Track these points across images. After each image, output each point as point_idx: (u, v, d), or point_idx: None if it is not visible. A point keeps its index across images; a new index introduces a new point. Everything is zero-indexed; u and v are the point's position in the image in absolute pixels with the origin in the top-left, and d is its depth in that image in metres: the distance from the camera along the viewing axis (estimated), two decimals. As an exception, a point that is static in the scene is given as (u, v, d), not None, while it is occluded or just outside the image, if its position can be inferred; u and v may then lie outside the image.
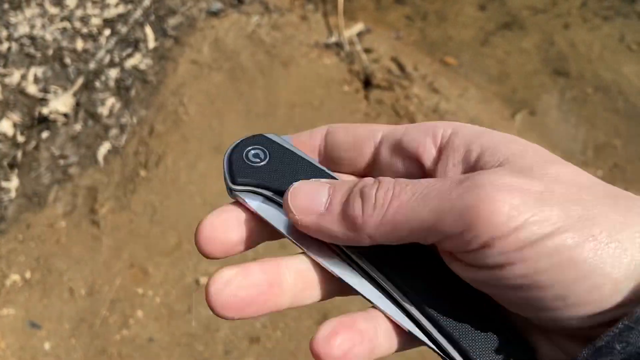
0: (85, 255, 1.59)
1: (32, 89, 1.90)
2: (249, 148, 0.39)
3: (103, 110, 1.84)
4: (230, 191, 0.38)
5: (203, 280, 1.54)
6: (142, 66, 1.92)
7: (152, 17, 2.02)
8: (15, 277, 1.57)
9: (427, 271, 0.35)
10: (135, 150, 1.76)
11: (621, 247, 0.28)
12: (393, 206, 0.31)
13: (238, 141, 0.40)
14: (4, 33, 2.00)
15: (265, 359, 1.46)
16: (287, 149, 0.40)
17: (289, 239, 0.37)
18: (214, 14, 2.02)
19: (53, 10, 2.03)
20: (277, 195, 0.38)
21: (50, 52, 1.95)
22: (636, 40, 1.98)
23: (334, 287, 0.37)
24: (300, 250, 0.37)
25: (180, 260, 1.57)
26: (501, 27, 2.02)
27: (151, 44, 1.97)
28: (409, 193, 0.31)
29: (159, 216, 1.64)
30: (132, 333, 1.49)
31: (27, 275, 1.57)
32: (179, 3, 2.04)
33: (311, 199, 0.34)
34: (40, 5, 2.04)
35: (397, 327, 0.35)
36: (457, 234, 0.29)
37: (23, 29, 1.99)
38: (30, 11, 2.03)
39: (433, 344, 0.34)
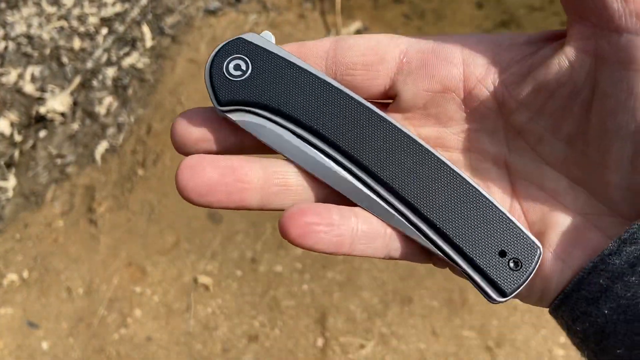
0: (82, 254, 1.59)
1: (29, 88, 1.89)
2: (229, 59, 0.35)
3: (100, 109, 1.84)
4: (220, 113, 0.36)
5: (201, 279, 1.54)
6: (140, 65, 1.92)
7: (150, 16, 2.01)
8: (13, 276, 1.56)
9: (419, 170, 0.35)
10: (133, 149, 1.75)
11: None
12: None
13: (216, 50, 0.36)
14: (1, 32, 1.99)
15: (264, 357, 1.46)
16: (271, 53, 0.35)
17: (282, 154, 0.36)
18: (212, 12, 2.02)
19: (50, 9, 2.03)
20: (268, 112, 0.35)
21: (47, 51, 1.95)
22: None
23: (315, 193, 0.36)
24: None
25: (178, 258, 1.57)
26: (498, 25, 2.02)
27: (148, 42, 1.97)
28: None
29: (156, 215, 1.64)
30: (130, 332, 1.48)
31: (25, 274, 1.57)
32: (177, 2, 2.04)
33: None
34: (37, 4, 2.03)
35: (386, 230, 0.35)
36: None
37: (20, 28, 1.99)
38: (28, 10, 2.03)
39: (426, 242, 0.34)
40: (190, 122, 0.35)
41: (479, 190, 0.35)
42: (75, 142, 1.79)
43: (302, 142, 0.35)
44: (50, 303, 1.53)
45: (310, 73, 0.35)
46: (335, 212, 0.34)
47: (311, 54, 0.36)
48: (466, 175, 0.35)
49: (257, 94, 0.35)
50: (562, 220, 0.34)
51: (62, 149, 1.78)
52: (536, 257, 0.33)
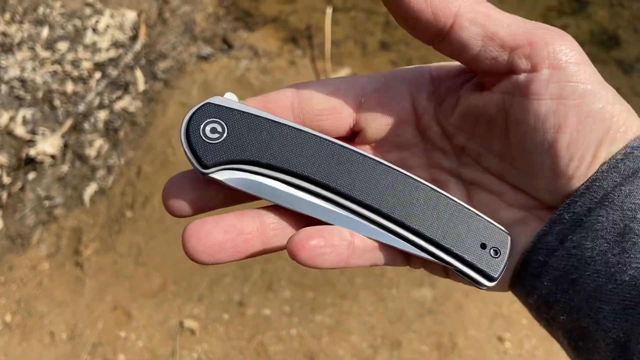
0: (67, 297, 1.57)
1: (20, 130, 1.90)
2: (204, 123, 0.38)
3: (91, 152, 1.85)
4: (204, 175, 0.38)
5: (188, 322, 1.51)
6: (132, 108, 1.94)
7: (143, 61, 2.05)
8: (-6, 320, 1.53)
9: (397, 189, 0.39)
10: (122, 191, 1.75)
11: (620, 120, 0.35)
12: (490, 6, 0.36)
13: (187, 118, 0.38)
14: (-5, 75, 2.02)
15: (250, 404, 1.42)
16: (242, 112, 0.38)
17: (272, 202, 0.39)
18: (204, 58, 2.06)
19: (44, 53, 2.06)
20: (249, 165, 0.38)
21: (40, 94, 1.97)
22: (614, 85, 2.04)
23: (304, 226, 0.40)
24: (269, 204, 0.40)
25: (165, 302, 1.55)
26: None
27: (141, 86, 2.00)
28: (496, 9, 0.37)
29: (144, 257, 1.62)
30: (113, 378, 1.45)
31: (8, 318, 1.53)
32: (170, 48, 2.08)
33: None
34: (32, 49, 2.07)
35: (375, 244, 0.39)
36: (521, 46, 0.35)
37: (13, 72, 2.02)
38: (22, 54, 2.06)
39: (407, 245, 0.39)
40: (180, 189, 0.39)
41: (450, 198, 0.39)
42: (64, 184, 1.79)
43: (285, 185, 0.38)
44: (32, 348, 1.49)
45: (281, 123, 0.38)
46: (336, 234, 0.38)
47: (277, 106, 0.40)
48: (437, 187, 0.40)
49: (238, 152, 0.37)
50: (507, 215, 0.40)
51: (50, 191, 1.77)
52: (508, 243, 0.39)
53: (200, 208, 0.40)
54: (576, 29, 2.15)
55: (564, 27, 2.15)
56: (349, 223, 0.38)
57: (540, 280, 0.37)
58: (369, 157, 0.39)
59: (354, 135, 0.43)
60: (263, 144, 0.38)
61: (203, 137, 0.37)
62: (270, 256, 1.57)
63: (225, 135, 0.37)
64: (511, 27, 0.36)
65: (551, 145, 0.36)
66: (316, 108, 0.41)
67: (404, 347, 1.47)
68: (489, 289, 0.39)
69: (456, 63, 0.42)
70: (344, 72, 2.05)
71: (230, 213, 0.39)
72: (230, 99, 0.39)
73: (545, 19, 2.17)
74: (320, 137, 0.39)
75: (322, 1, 2.18)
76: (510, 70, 0.36)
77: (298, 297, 1.53)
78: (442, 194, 0.39)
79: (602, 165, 0.36)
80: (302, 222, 0.39)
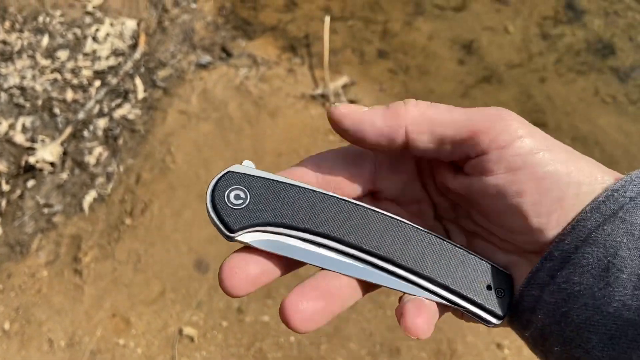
0: (66, 305, 1.56)
1: (19, 138, 1.91)
2: (227, 191, 0.40)
3: (90, 159, 1.85)
4: (230, 239, 0.40)
5: (186, 330, 1.51)
6: (131, 116, 1.95)
7: (142, 69, 2.07)
8: (-7, 327, 1.53)
9: (412, 242, 0.42)
10: (121, 199, 1.76)
11: (581, 175, 0.39)
12: (430, 107, 0.40)
13: (212, 186, 0.41)
14: (-5, 83, 2.03)
15: (249, 411, 1.42)
16: (262, 178, 0.41)
17: (301, 261, 0.41)
18: (203, 66, 2.08)
19: (44, 62, 2.07)
20: (276, 227, 0.40)
21: (39, 102, 1.98)
22: (610, 93, 2.06)
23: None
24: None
25: (164, 309, 1.55)
26: (480, 81, 2.09)
27: (140, 94, 2.01)
28: (442, 105, 0.41)
29: (143, 264, 1.62)
30: (112, 386, 1.44)
31: (6, 326, 1.53)
32: (169, 56, 2.10)
33: (354, 108, 0.41)
34: (32, 57, 2.08)
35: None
36: (469, 138, 0.39)
37: (13, 80, 2.03)
38: (22, 62, 2.07)
39: (422, 292, 0.42)
40: (243, 266, 0.40)
41: (457, 246, 0.43)
42: (63, 191, 1.79)
43: (306, 244, 0.41)
44: (30, 355, 1.49)
45: (300, 187, 0.42)
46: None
47: (303, 180, 0.43)
48: (445, 238, 0.44)
49: (261, 215, 0.40)
50: (504, 259, 0.44)
51: (49, 199, 1.78)
52: (511, 282, 0.43)
53: (266, 280, 0.42)
54: (572, 37, 2.16)
55: (560, 36, 2.17)
56: (366, 274, 0.42)
57: (535, 314, 0.40)
58: (381, 213, 0.43)
59: (371, 193, 0.47)
60: (284, 206, 0.41)
61: (228, 204, 0.40)
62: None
63: (248, 200, 0.40)
64: (454, 123, 0.40)
65: (517, 209, 0.40)
66: (335, 180, 0.44)
67: (402, 355, 1.47)
68: (495, 326, 0.42)
69: None
70: (342, 80, 2.07)
71: (316, 277, 0.41)
72: (249, 166, 0.42)
73: (542, 28, 2.19)
74: (336, 197, 0.42)
75: (320, 10, 2.20)
76: (467, 157, 0.41)
77: (297, 304, 1.53)
78: (450, 243, 0.43)
79: (585, 207, 0.39)
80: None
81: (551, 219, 0.39)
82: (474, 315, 0.42)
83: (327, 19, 2.16)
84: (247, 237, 0.40)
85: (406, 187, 0.47)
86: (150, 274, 1.61)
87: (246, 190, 0.41)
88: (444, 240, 0.43)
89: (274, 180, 0.42)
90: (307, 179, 0.44)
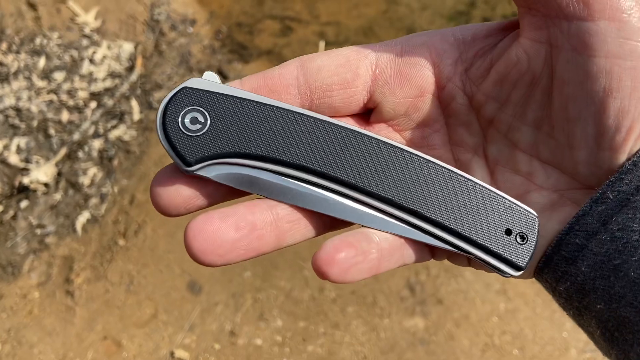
0: (57, 326, 1.55)
1: (14, 159, 1.91)
2: (182, 113, 0.32)
3: (84, 180, 1.85)
4: (189, 173, 0.33)
5: (178, 353, 1.50)
6: (126, 137, 1.96)
7: (139, 91, 2.08)
8: (-18, 350, 1.51)
9: (411, 176, 0.34)
10: (115, 219, 1.76)
11: None
12: None
13: (162, 107, 0.33)
14: (-10, 104, 2.03)
15: None
16: (225, 95, 0.33)
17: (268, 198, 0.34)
18: (199, 89, 2.09)
19: (40, 83, 2.09)
20: (239, 158, 0.33)
21: (34, 123, 1.99)
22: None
23: (320, 223, 0.35)
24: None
25: (156, 331, 1.54)
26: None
27: (136, 116, 2.03)
28: None
29: (135, 286, 1.62)
30: (102, 409, 1.42)
31: (-5, 348, 1.52)
32: (166, 78, 2.12)
33: None
34: (28, 78, 2.09)
35: (401, 241, 0.35)
36: None
37: (9, 101, 2.03)
38: (18, 84, 2.08)
39: (440, 243, 0.35)
40: (171, 184, 0.34)
41: (472, 181, 0.35)
42: (56, 212, 1.79)
43: (284, 178, 0.34)
44: (19, 378, 1.47)
45: (272, 106, 0.33)
46: (362, 239, 0.34)
47: (280, 83, 0.35)
48: (455, 168, 0.36)
49: (224, 144, 0.32)
50: (537, 199, 0.36)
51: (42, 219, 1.77)
52: (536, 226, 0.35)
53: (200, 204, 0.35)
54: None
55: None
56: (360, 216, 0.34)
57: (576, 265, 0.33)
58: (378, 140, 0.35)
59: (368, 112, 0.39)
60: (254, 132, 0.33)
61: (183, 130, 0.32)
62: (262, 285, 1.57)
63: (208, 125, 0.32)
64: None
65: (598, 111, 0.31)
66: (324, 83, 0.36)
67: (396, 378, 1.46)
68: (514, 277, 0.36)
69: (483, 24, 0.38)
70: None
71: (239, 204, 0.33)
72: (211, 81, 0.34)
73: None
74: (320, 120, 0.34)
75: (315, 35, 2.24)
76: (563, 13, 0.31)
77: (290, 327, 1.53)
78: (463, 176, 0.35)
79: None
80: (313, 214, 0.35)
81: (629, 139, 0.31)
82: (487, 265, 0.35)
83: (322, 43, 2.20)
84: (209, 170, 0.32)
85: (417, 102, 0.37)
86: (142, 296, 1.60)
87: (205, 112, 0.32)
88: (459, 174, 0.35)
89: (242, 98, 0.33)
90: (285, 79, 0.35)
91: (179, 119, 0.32)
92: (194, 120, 0.32)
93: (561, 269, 0.34)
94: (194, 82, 0.33)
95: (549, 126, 0.35)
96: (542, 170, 0.36)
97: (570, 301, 0.35)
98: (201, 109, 0.32)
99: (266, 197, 0.34)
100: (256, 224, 0.33)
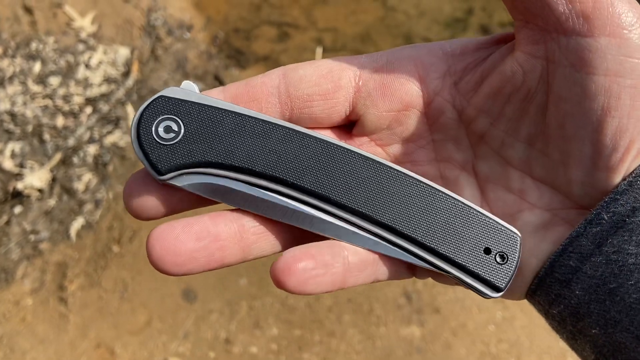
0: (50, 334, 1.53)
1: (8, 164, 1.90)
2: (156, 122, 0.32)
3: (79, 186, 1.84)
4: (161, 182, 0.33)
5: (173, 360, 1.49)
6: (122, 143, 1.95)
7: (135, 97, 2.07)
8: (-27, 357, 1.49)
9: (387, 189, 0.33)
10: (109, 226, 1.74)
11: None
12: None
13: (138, 115, 0.32)
14: (-15, 109, 2.02)
15: None
16: (200, 105, 0.33)
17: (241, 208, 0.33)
18: (195, 94, 2.09)
19: (35, 88, 2.08)
20: (212, 168, 0.32)
21: (29, 128, 1.98)
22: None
23: (288, 235, 0.35)
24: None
25: (150, 339, 1.53)
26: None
27: (132, 121, 2.02)
28: None
29: (129, 293, 1.60)
30: (94, 418, 1.41)
31: (-13, 355, 1.50)
32: (162, 84, 2.11)
33: None
34: (23, 83, 2.08)
35: (373, 256, 0.34)
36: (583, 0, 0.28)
37: (3, 106, 2.02)
38: (13, 88, 2.07)
39: (414, 259, 0.33)
40: (144, 187, 0.34)
41: (449, 195, 0.34)
42: (50, 218, 1.78)
43: (257, 189, 0.33)
44: (11, 386, 1.45)
45: (247, 116, 0.33)
46: (326, 251, 0.33)
47: (261, 92, 0.35)
48: (434, 184, 0.35)
49: (196, 154, 0.32)
50: (529, 218, 0.35)
51: (36, 225, 1.76)
52: (518, 245, 0.34)
53: (172, 209, 0.34)
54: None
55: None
56: (333, 230, 0.33)
57: (570, 288, 0.32)
58: (352, 152, 0.34)
59: (351, 125, 0.38)
60: (227, 142, 0.32)
61: (156, 138, 0.32)
62: (257, 292, 1.56)
63: (181, 134, 0.32)
64: None
65: (595, 130, 0.30)
66: (305, 93, 0.35)
67: (392, 387, 1.45)
68: (494, 297, 0.35)
69: (472, 38, 0.37)
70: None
71: (203, 215, 0.33)
72: (188, 90, 0.33)
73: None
74: (295, 130, 0.33)
75: (312, 41, 2.24)
76: (561, 27, 0.30)
77: (285, 335, 1.52)
78: (441, 191, 0.34)
79: None
80: (282, 227, 0.34)
81: (625, 159, 0.30)
82: (465, 285, 0.34)
83: (319, 50, 2.20)
84: (181, 180, 0.32)
85: (401, 115, 0.36)
86: (136, 303, 1.59)
87: (179, 121, 0.32)
88: (436, 188, 0.34)
89: (216, 107, 0.33)
90: (266, 88, 0.34)
91: (153, 128, 0.32)
92: (168, 129, 0.32)
93: (554, 291, 0.33)
94: (170, 92, 0.33)
95: (543, 143, 0.34)
96: (534, 188, 0.35)
97: (563, 325, 0.34)
98: (175, 118, 0.32)
99: (238, 208, 0.34)
100: (219, 235, 0.32)
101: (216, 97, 0.35)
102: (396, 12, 2.25)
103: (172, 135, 0.32)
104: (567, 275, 0.32)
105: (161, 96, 0.33)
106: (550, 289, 0.33)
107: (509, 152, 0.36)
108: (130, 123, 2.00)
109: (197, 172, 0.32)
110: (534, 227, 0.35)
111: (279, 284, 0.32)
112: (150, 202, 0.33)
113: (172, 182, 0.33)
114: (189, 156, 0.32)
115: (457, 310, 1.50)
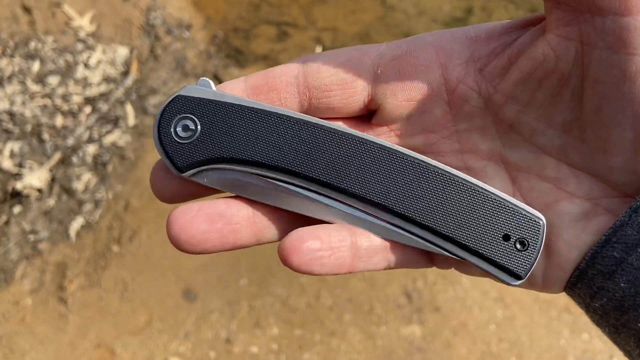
0: (50, 334, 1.53)
1: (7, 163, 1.89)
2: (175, 121, 0.34)
3: (78, 186, 1.84)
4: (181, 177, 0.34)
5: (173, 360, 1.48)
6: (121, 143, 1.95)
7: (134, 96, 2.07)
8: (-27, 358, 1.49)
9: (403, 178, 0.33)
10: (109, 225, 1.74)
11: None
12: None
13: (158, 116, 0.34)
14: (-16, 109, 2.02)
15: None
16: (216, 102, 0.34)
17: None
18: (194, 94, 2.08)
19: (34, 87, 2.07)
20: (228, 163, 0.33)
21: (28, 127, 1.97)
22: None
23: (301, 223, 0.35)
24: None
25: (150, 339, 1.52)
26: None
27: (131, 121, 2.01)
28: None
29: (129, 293, 1.60)
30: (94, 419, 1.41)
31: (-13, 356, 1.50)
32: (161, 83, 2.11)
33: None
34: (22, 82, 2.08)
35: (385, 243, 0.34)
36: None
37: (2, 105, 2.02)
38: (12, 88, 2.07)
39: (431, 247, 0.33)
40: (168, 172, 0.35)
41: (465, 180, 0.34)
42: (50, 218, 1.77)
43: (274, 182, 0.34)
44: (11, 387, 1.45)
45: (263, 111, 0.34)
46: (334, 235, 0.33)
47: (280, 82, 0.35)
48: (449, 168, 0.34)
49: (213, 150, 0.33)
50: (568, 208, 0.33)
51: (36, 225, 1.75)
52: (540, 230, 0.33)
53: (192, 194, 0.36)
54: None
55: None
56: (349, 219, 0.34)
57: (614, 280, 0.31)
58: (368, 141, 0.34)
59: (371, 114, 0.37)
60: (241, 137, 0.33)
61: (175, 137, 0.33)
62: (258, 292, 1.56)
63: (198, 132, 0.33)
64: None
65: (636, 114, 0.29)
66: (323, 82, 0.35)
67: (392, 386, 1.45)
68: (516, 285, 0.34)
69: (497, 22, 0.36)
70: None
71: (219, 199, 0.34)
72: (204, 88, 0.34)
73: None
74: (310, 123, 0.34)
75: (311, 40, 2.23)
76: (596, 7, 0.29)
77: (286, 335, 1.51)
78: (458, 176, 0.33)
79: None
80: (296, 214, 0.35)
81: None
82: (485, 272, 0.34)
83: (318, 49, 2.20)
84: (201, 176, 0.33)
85: (422, 105, 0.35)
86: (137, 303, 1.58)
87: (196, 119, 0.33)
88: (448, 171, 0.33)
89: (231, 104, 0.33)
90: (285, 78, 0.34)
91: (172, 127, 0.33)
92: (186, 128, 0.33)
93: (597, 284, 0.32)
94: (187, 90, 0.34)
95: (580, 129, 0.32)
96: (572, 176, 0.33)
97: (606, 318, 0.32)
98: (192, 117, 0.33)
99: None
100: (232, 219, 0.33)
101: (237, 87, 0.35)
102: (395, 11, 2.24)
103: (189, 133, 0.33)
104: (610, 266, 0.31)
105: (178, 96, 0.34)
106: (593, 282, 0.32)
107: (542, 140, 0.34)
108: (129, 122, 1.99)
109: (215, 167, 0.34)
110: (573, 217, 0.33)
111: (285, 261, 0.32)
112: (173, 188, 0.35)
113: (193, 178, 0.34)
114: (205, 153, 0.33)
115: (458, 309, 1.50)
